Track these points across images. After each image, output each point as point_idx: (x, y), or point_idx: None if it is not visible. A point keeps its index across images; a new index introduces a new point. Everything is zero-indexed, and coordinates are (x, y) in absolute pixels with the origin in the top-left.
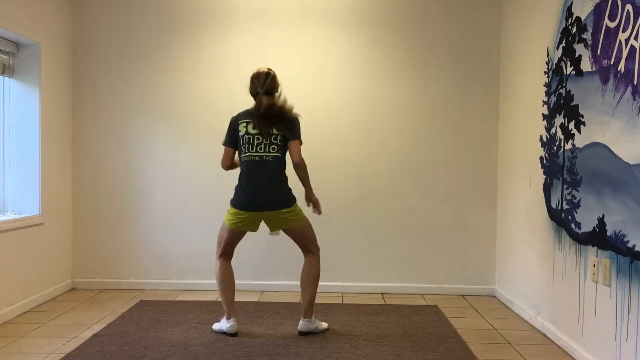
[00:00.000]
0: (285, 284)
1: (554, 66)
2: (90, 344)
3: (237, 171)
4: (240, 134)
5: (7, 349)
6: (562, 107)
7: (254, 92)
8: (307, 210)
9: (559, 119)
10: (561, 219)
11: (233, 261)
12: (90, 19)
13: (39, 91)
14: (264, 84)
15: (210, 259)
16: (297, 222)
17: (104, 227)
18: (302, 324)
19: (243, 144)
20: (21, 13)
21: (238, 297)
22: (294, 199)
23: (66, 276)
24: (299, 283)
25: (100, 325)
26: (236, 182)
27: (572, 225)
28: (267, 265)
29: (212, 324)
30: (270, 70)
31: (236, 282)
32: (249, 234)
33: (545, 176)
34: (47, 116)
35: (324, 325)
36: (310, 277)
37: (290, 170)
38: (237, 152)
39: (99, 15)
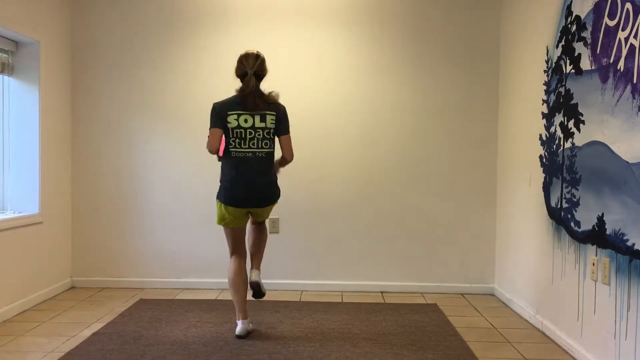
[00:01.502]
0: (284, 282)
1: (554, 65)
2: (89, 342)
3: None
4: (230, 126)
5: (6, 348)
6: (562, 105)
7: (241, 73)
8: None
9: (559, 118)
10: (561, 217)
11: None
12: (89, 18)
13: (38, 90)
14: (253, 65)
15: (209, 257)
16: (266, 217)
17: (103, 226)
18: (256, 277)
19: (233, 137)
20: (21, 12)
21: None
22: (279, 193)
23: (65, 275)
24: (297, 282)
25: (99, 323)
26: None
27: (572, 224)
28: (266, 265)
29: (212, 323)
30: (260, 53)
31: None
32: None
33: (544, 175)
34: (47, 115)
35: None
36: (263, 239)
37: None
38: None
39: (98, 14)
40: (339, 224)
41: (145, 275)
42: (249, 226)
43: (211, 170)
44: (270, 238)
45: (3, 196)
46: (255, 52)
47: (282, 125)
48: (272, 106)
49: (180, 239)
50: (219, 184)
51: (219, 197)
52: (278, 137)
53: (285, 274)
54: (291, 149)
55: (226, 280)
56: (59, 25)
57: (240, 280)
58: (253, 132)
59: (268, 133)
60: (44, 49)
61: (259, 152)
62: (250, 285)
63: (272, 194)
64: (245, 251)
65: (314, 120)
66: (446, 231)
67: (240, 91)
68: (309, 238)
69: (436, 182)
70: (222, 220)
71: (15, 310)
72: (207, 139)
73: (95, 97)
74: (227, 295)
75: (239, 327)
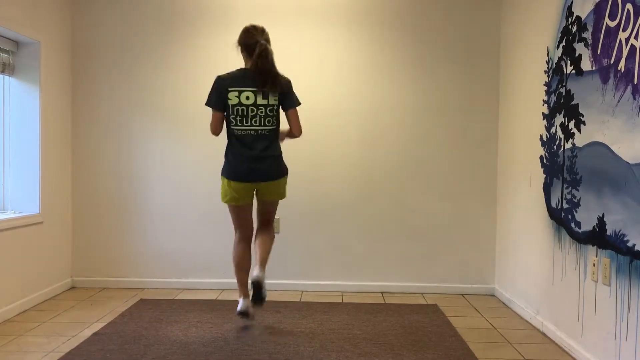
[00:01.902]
0: (284, 282)
1: (554, 65)
2: (90, 342)
3: None
4: (231, 103)
5: (6, 348)
6: (562, 106)
7: (251, 42)
8: None
9: (559, 118)
10: (561, 218)
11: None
12: (90, 18)
13: (38, 90)
14: (263, 33)
15: (210, 257)
16: (284, 195)
17: (103, 226)
18: (260, 273)
19: (234, 114)
20: (21, 12)
21: (237, 297)
22: (287, 170)
23: (66, 275)
24: (298, 282)
25: (100, 323)
26: None
27: (572, 225)
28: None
29: (213, 323)
30: (258, 25)
31: (235, 281)
32: None
33: (545, 175)
34: (47, 115)
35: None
36: (271, 237)
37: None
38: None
39: (99, 14)
40: (339, 224)
41: (146, 275)
42: (256, 228)
43: (211, 170)
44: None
45: (3, 196)
46: (254, 24)
47: (287, 99)
48: (282, 83)
49: (181, 239)
50: (224, 159)
51: (223, 172)
52: (284, 111)
53: (285, 274)
54: (299, 124)
55: (227, 281)
56: (59, 25)
57: (245, 260)
58: (255, 109)
59: (271, 110)
60: (44, 49)
61: (261, 129)
62: (251, 284)
63: (277, 169)
64: (251, 234)
65: (314, 120)
66: (446, 231)
67: (254, 64)
68: (310, 238)
69: (436, 182)
70: (225, 197)
71: (15, 310)
72: (209, 140)
73: (95, 97)
74: (228, 296)
75: (241, 304)
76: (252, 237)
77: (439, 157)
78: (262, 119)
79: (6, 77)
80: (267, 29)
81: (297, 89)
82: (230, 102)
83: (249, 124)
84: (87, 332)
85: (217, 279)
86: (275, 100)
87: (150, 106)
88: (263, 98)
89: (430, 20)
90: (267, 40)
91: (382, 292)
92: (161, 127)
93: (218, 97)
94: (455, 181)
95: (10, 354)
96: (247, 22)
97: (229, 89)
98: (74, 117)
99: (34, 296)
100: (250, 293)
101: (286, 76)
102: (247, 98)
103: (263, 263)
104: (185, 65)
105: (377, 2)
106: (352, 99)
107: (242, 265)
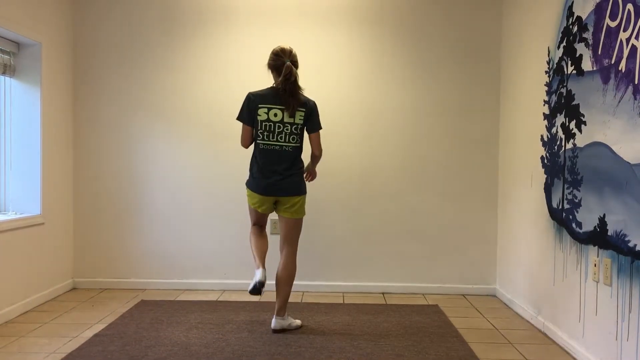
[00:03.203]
0: None
1: (555, 66)
2: (91, 343)
3: (238, 171)
4: (260, 118)
5: (8, 349)
6: (563, 106)
7: (278, 64)
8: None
9: (560, 119)
10: (562, 218)
11: (233, 261)
12: (91, 19)
13: (39, 91)
14: (290, 54)
15: (211, 258)
16: (302, 214)
17: (104, 227)
18: (275, 322)
19: (262, 130)
20: (22, 13)
21: (238, 297)
22: (305, 189)
23: (67, 276)
24: (300, 283)
25: (101, 325)
26: (238, 182)
27: (573, 225)
28: (267, 266)
29: (214, 324)
30: (287, 46)
31: (235, 282)
32: None
33: (546, 176)
34: (48, 116)
35: (298, 322)
36: (288, 274)
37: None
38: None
39: (100, 15)
40: (340, 225)
41: (147, 276)
42: (281, 254)
43: (212, 170)
44: (272, 239)
45: (5, 197)
46: (288, 46)
47: (311, 122)
48: (303, 102)
49: (182, 239)
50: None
51: (247, 184)
52: (308, 133)
53: None
54: (319, 146)
55: (227, 282)
56: (60, 26)
57: (263, 238)
58: (282, 126)
59: (296, 128)
60: (45, 50)
61: (285, 145)
62: (272, 331)
63: (296, 186)
64: (265, 224)
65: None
66: (448, 232)
67: (282, 82)
68: (310, 239)
69: (437, 183)
70: (249, 201)
71: (17, 311)
72: (210, 140)
73: (96, 98)
74: (229, 297)
75: (260, 275)
76: (265, 226)
77: (440, 158)
78: (287, 136)
79: (7, 79)
80: (267, 30)
81: None
82: (259, 118)
83: (275, 139)
84: (88, 333)
85: (218, 280)
86: (300, 119)
87: (151, 107)
88: (290, 116)
89: (430, 20)
90: (294, 62)
91: (383, 293)
92: (162, 128)
93: (249, 114)
94: (456, 181)
95: (11, 355)
96: (247, 23)
97: (259, 106)
98: (75, 118)
99: (35, 297)
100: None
101: (311, 99)
102: (275, 115)
103: (282, 308)
104: (186, 66)
105: (378, 2)
106: (353, 99)
107: (258, 237)
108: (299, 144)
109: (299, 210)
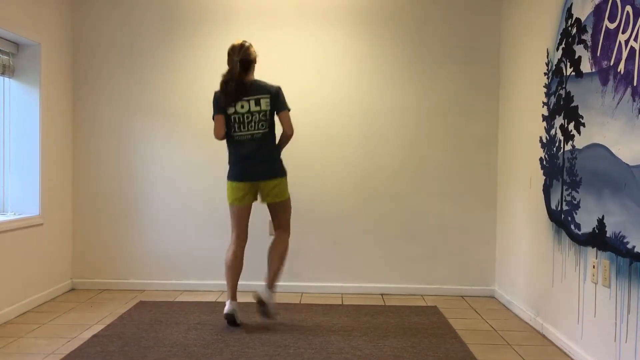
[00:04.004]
0: (284, 284)
1: (554, 67)
2: (90, 344)
3: None
4: (229, 112)
5: (6, 350)
6: (562, 108)
7: (228, 62)
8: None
9: (559, 120)
10: (561, 220)
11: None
12: (90, 20)
13: (39, 92)
14: (239, 52)
15: (210, 259)
16: (285, 196)
17: (103, 228)
18: (265, 293)
19: (232, 122)
20: (21, 13)
21: (237, 298)
22: (284, 173)
23: (66, 276)
24: (298, 284)
25: (100, 325)
26: None
27: (572, 226)
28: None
29: (213, 325)
30: (245, 41)
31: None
32: (253, 230)
33: (545, 177)
34: (47, 116)
35: (274, 310)
36: (280, 250)
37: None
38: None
39: (99, 16)
40: (339, 226)
41: (146, 277)
42: (271, 237)
43: (212, 171)
44: (269, 239)
45: (3, 198)
46: (241, 41)
47: (278, 103)
48: (264, 89)
49: (181, 240)
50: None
51: (228, 176)
52: (277, 115)
53: (285, 275)
54: (290, 124)
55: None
56: (59, 27)
57: (237, 264)
58: (250, 116)
59: (264, 115)
60: (44, 51)
61: (256, 133)
62: (256, 302)
63: (274, 168)
64: (245, 238)
65: (315, 122)
66: (446, 233)
67: (224, 80)
68: (309, 239)
69: (437, 184)
70: (229, 198)
71: (15, 312)
72: (210, 141)
73: (96, 99)
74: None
75: (228, 307)
76: (245, 241)
77: (439, 159)
78: (257, 124)
79: (6, 79)
80: (267, 30)
81: (297, 90)
82: (228, 112)
83: (245, 129)
84: (87, 334)
85: (217, 281)
86: (267, 105)
87: (151, 107)
88: (255, 105)
89: (430, 22)
90: (245, 55)
91: (382, 294)
92: (162, 128)
93: (218, 105)
94: (455, 182)
95: (10, 356)
96: (247, 23)
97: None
98: (74, 119)
99: (34, 298)
100: (258, 308)
101: (274, 84)
102: (242, 107)
103: (272, 283)
104: (186, 66)
105: (378, 3)
106: (353, 100)
107: (233, 271)
108: (267, 130)
109: (280, 192)
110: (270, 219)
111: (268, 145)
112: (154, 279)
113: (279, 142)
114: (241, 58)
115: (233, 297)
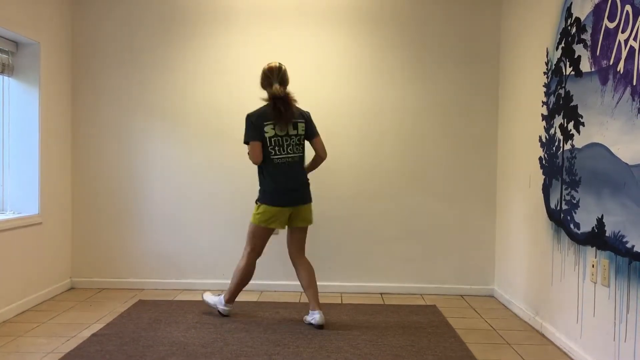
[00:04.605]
0: (284, 283)
1: (553, 67)
2: (89, 343)
3: (237, 171)
4: (268, 135)
5: (6, 348)
6: (562, 107)
7: (267, 84)
8: None
9: (558, 120)
10: (560, 219)
11: (231, 261)
12: (90, 19)
13: (38, 90)
14: (277, 75)
15: (209, 258)
16: (311, 221)
17: (103, 227)
18: (319, 317)
19: (272, 145)
20: (21, 12)
21: (237, 297)
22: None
23: (65, 275)
24: (297, 283)
25: (99, 324)
26: (237, 182)
27: (571, 226)
28: (266, 265)
29: (212, 324)
30: (282, 64)
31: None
32: None
33: (544, 176)
34: (47, 115)
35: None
36: (311, 272)
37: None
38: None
39: (99, 15)
40: (338, 225)
41: (145, 276)
42: (296, 263)
43: (211, 171)
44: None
45: (3, 197)
46: (278, 64)
47: (310, 130)
48: (300, 114)
49: (180, 239)
50: (259, 187)
51: (263, 200)
52: (309, 140)
53: (284, 275)
54: (324, 148)
55: (225, 282)
56: (59, 26)
57: (249, 275)
58: (288, 139)
59: (300, 139)
60: (44, 50)
61: (295, 156)
62: (317, 327)
63: (309, 193)
64: (262, 252)
65: (314, 122)
66: (446, 232)
67: (272, 101)
68: (309, 239)
69: (436, 183)
70: (265, 221)
71: (14, 310)
72: (209, 140)
73: (95, 98)
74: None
75: (226, 308)
76: (261, 254)
77: (438, 158)
78: (295, 147)
79: (6, 78)
80: (267, 30)
81: (296, 90)
82: (267, 135)
83: (285, 152)
84: (86, 333)
85: (216, 280)
86: (302, 130)
87: (150, 107)
88: (293, 129)
89: (430, 21)
90: (283, 80)
91: (381, 293)
92: (161, 128)
93: (255, 130)
94: (454, 182)
95: (9, 355)
96: (247, 23)
97: (265, 123)
98: (74, 118)
99: (33, 297)
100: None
101: (305, 110)
102: (281, 129)
103: (318, 301)
104: (186, 66)
105: (378, 3)
106: (352, 100)
107: (243, 279)
108: (302, 153)
109: (310, 216)
110: (292, 245)
111: (302, 169)
112: (153, 278)
113: (309, 167)
114: (282, 81)
115: (232, 301)
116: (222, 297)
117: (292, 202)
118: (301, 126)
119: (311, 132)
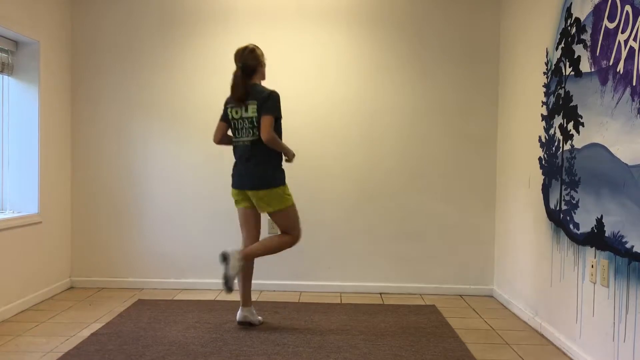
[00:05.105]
0: (283, 283)
1: (553, 67)
2: (88, 342)
3: (230, 171)
4: (229, 118)
5: (5, 348)
6: (561, 107)
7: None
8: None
9: (558, 120)
10: (560, 219)
11: None
12: (89, 18)
13: (38, 90)
14: (240, 57)
15: (209, 258)
16: (278, 206)
17: (102, 226)
18: (235, 254)
19: (232, 127)
20: (20, 11)
21: (235, 297)
22: (275, 183)
23: (65, 275)
24: (297, 282)
25: (98, 324)
26: (229, 183)
27: (571, 226)
28: (266, 265)
29: (211, 324)
30: (250, 44)
31: (235, 281)
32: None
33: (543, 177)
34: (46, 114)
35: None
36: (275, 238)
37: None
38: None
39: (98, 14)
40: (337, 225)
41: (144, 276)
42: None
43: (211, 170)
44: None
45: (2, 196)
46: (246, 45)
47: (262, 108)
48: (256, 95)
49: (180, 239)
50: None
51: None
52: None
53: (284, 274)
54: (265, 129)
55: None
56: (59, 25)
57: (246, 269)
58: (242, 122)
59: (251, 122)
60: (43, 49)
61: (246, 140)
62: (220, 255)
63: (260, 179)
64: (256, 239)
65: (314, 121)
66: (445, 232)
67: (231, 85)
68: (308, 239)
69: (435, 183)
70: (235, 203)
71: (14, 310)
72: (209, 140)
73: (95, 97)
74: (226, 296)
75: (239, 314)
76: (252, 242)
77: (438, 158)
78: (247, 131)
79: (5, 77)
80: (267, 30)
81: (296, 90)
82: (229, 117)
83: (239, 135)
84: (86, 332)
85: (216, 279)
86: (254, 112)
87: (150, 106)
88: (245, 111)
89: (429, 21)
90: (247, 59)
91: (380, 293)
92: (161, 127)
93: (224, 111)
94: (454, 182)
95: (8, 354)
96: (247, 23)
97: (227, 106)
98: (73, 117)
99: (32, 296)
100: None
101: (270, 89)
102: (237, 112)
103: (248, 252)
104: (185, 66)
105: (377, 3)
106: (352, 100)
107: (271, 251)
108: (256, 137)
109: (271, 203)
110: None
111: (257, 154)
112: (153, 278)
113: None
114: (243, 62)
115: (243, 303)
116: (239, 250)
117: (241, 185)
118: (252, 108)
119: (262, 110)
